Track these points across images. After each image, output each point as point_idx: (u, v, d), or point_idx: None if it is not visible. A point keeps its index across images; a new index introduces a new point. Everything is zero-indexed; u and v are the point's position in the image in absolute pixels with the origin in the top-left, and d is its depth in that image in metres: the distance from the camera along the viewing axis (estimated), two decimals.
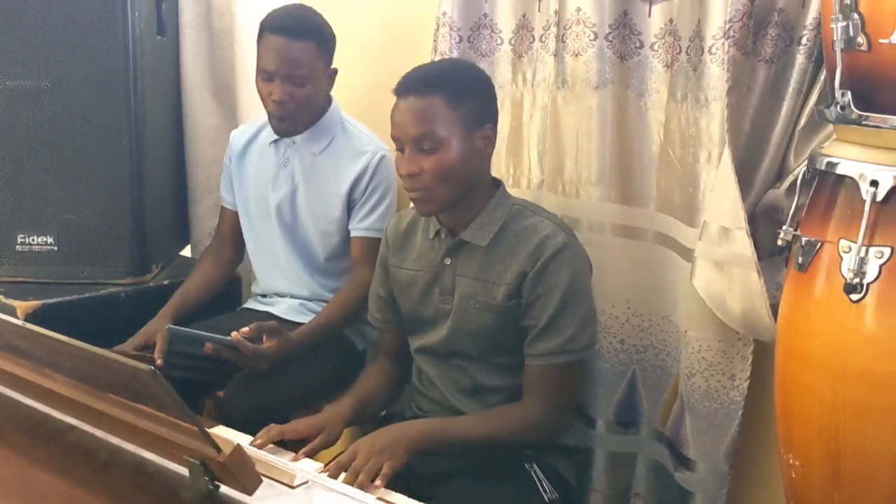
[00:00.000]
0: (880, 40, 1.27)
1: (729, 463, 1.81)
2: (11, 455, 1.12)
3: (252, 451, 1.06)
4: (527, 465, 1.69)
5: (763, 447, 1.81)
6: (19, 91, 2.10)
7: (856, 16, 1.29)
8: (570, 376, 1.70)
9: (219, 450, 0.93)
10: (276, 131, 2.09)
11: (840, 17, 1.30)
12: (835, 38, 1.32)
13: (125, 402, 1.03)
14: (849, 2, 1.29)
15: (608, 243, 1.93)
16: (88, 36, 2.08)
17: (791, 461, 1.47)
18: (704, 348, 1.78)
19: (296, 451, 1.48)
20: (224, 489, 1.01)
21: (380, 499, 1.28)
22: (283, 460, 1.34)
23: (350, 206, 2.09)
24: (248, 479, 0.98)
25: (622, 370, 1.98)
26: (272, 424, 1.54)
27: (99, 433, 1.13)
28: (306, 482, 1.08)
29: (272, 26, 1.99)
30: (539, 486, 1.68)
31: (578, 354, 1.67)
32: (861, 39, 1.29)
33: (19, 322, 1.12)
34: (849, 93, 1.33)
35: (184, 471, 1.01)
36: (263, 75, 2.00)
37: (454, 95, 1.60)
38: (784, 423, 1.50)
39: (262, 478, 1.00)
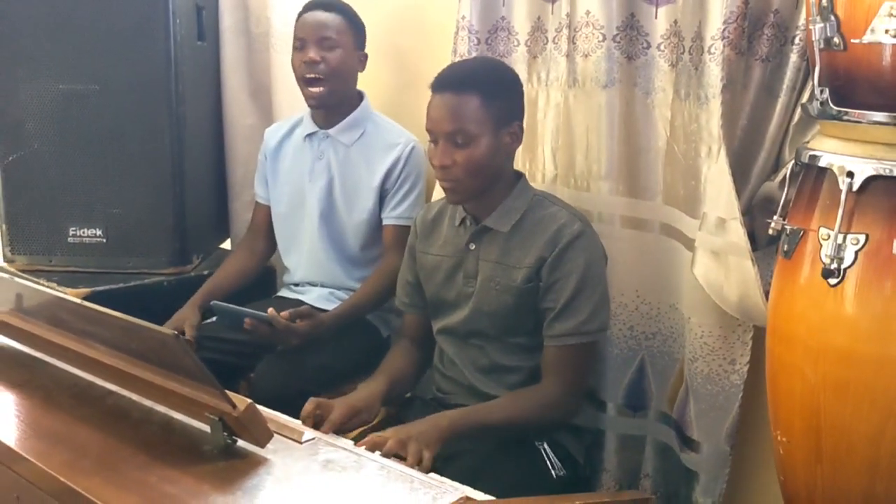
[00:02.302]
0: (853, 40, 1.34)
1: (730, 444, 1.87)
2: (59, 413, 1.26)
3: (264, 411, 1.18)
4: (537, 443, 1.77)
5: (762, 429, 1.84)
6: (70, 94, 2.23)
7: (832, 17, 1.36)
8: (585, 357, 1.78)
9: (234, 406, 1.06)
10: (309, 101, 2.19)
11: (818, 18, 1.38)
12: (814, 38, 1.40)
13: (155, 369, 1.17)
14: (826, 4, 1.37)
15: (618, 234, 2.01)
16: (133, 42, 2.21)
17: (779, 438, 1.55)
18: (706, 334, 1.85)
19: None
20: (240, 443, 1.14)
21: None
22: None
23: (382, 196, 2.19)
24: (261, 433, 1.11)
25: (631, 356, 2.06)
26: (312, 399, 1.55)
27: (134, 396, 1.27)
28: (313, 438, 1.20)
29: (306, 7, 2.18)
30: (548, 463, 1.77)
31: (592, 336, 1.76)
32: (837, 40, 1.36)
33: (65, 295, 1.26)
34: (826, 90, 1.40)
35: (206, 427, 1.14)
36: (297, 44, 2.16)
37: (488, 94, 1.70)
38: (773, 402, 1.57)
39: (274, 433, 1.13)
